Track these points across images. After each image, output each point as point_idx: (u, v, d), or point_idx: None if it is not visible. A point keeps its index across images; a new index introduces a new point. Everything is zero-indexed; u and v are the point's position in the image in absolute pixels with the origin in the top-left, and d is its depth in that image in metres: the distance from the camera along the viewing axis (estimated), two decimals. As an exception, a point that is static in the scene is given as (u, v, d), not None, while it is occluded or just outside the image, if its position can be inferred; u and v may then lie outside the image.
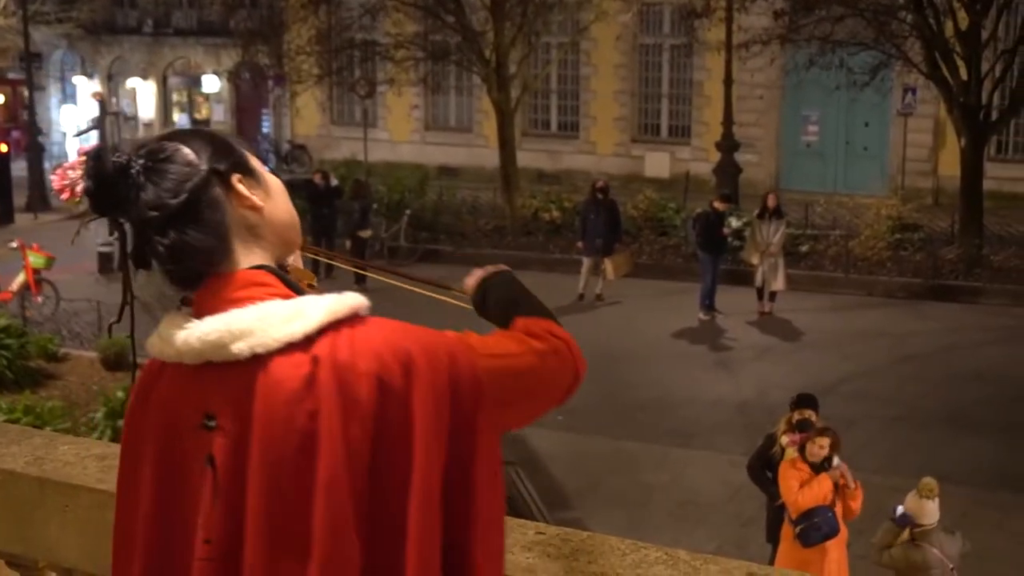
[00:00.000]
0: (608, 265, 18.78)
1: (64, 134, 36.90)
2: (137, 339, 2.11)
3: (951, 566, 7.81)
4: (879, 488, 10.31)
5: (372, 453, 1.87)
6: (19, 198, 28.14)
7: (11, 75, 39.02)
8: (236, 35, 29.91)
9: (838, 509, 8.47)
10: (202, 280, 1.97)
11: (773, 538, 9.02)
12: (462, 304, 2.36)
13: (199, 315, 1.94)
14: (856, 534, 9.14)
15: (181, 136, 2.01)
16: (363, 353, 1.87)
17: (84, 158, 1.98)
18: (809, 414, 8.97)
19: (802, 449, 8.48)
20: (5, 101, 39.40)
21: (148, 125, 38.84)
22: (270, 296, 1.93)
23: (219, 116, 37.54)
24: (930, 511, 7.84)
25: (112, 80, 39.23)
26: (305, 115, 34.41)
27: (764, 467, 9.16)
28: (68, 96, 39.51)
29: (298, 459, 1.85)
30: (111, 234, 2.23)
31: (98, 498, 2.92)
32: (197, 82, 38.16)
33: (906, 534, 7.94)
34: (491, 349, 2.01)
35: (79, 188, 2.00)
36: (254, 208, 1.99)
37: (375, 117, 32.76)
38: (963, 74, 20.48)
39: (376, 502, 1.88)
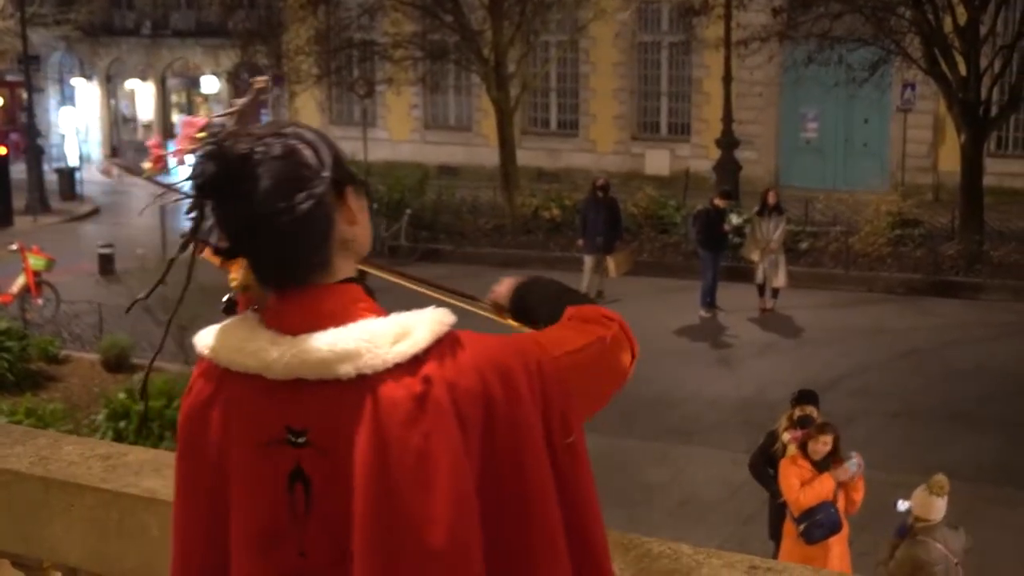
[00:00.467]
0: (610, 263, 18.78)
1: (63, 136, 36.92)
2: (185, 339, 2.10)
3: (955, 561, 7.80)
4: (881, 484, 10.31)
5: (483, 470, 1.87)
6: (18, 200, 28.15)
7: (9, 77, 39.05)
8: (234, 36, 29.94)
9: (840, 503, 8.47)
10: (288, 284, 1.93)
11: (776, 535, 9.03)
12: (487, 314, 2.34)
13: (288, 327, 1.90)
14: (858, 530, 9.15)
15: (298, 135, 1.94)
16: (467, 371, 1.87)
17: (202, 135, 1.92)
18: (810, 410, 8.97)
19: (803, 446, 8.48)
20: (4, 103, 39.41)
21: (147, 126, 38.87)
22: (368, 313, 1.90)
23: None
24: (938, 508, 7.83)
25: (111, 82, 39.25)
26: (304, 115, 34.41)
27: (766, 464, 9.16)
28: (67, 98, 39.52)
29: (416, 478, 1.83)
30: (188, 212, 2.09)
31: (102, 498, 2.93)
32: (196, 83, 38.18)
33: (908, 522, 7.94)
34: (563, 346, 2.04)
35: (185, 159, 1.96)
36: (354, 223, 1.97)
37: (374, 117, 32.78)
38: (962, 70, 20.50)
39: (491, 520, 1.88)
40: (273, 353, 1.88)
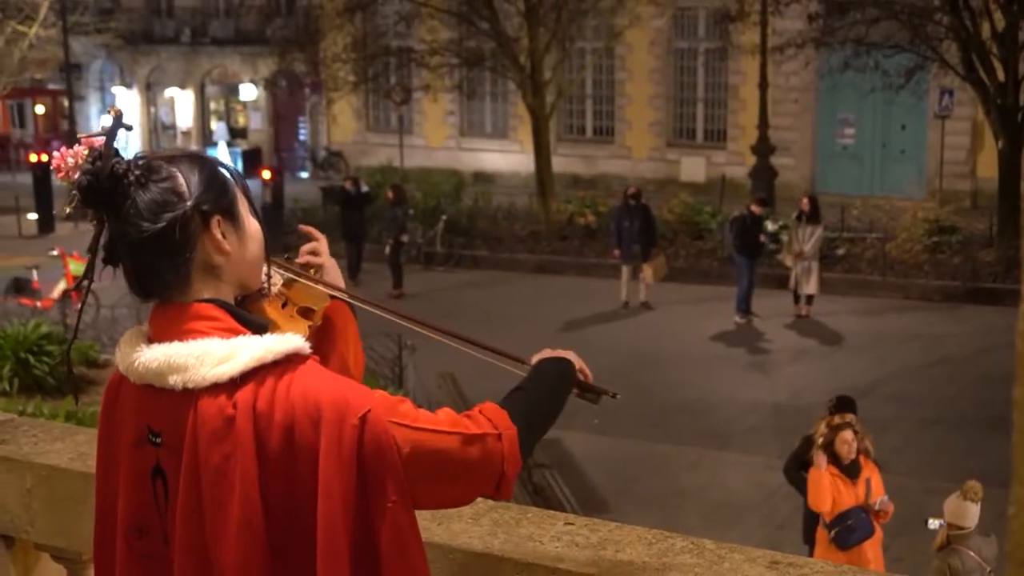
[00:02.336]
0: (647, 270, 18.76)
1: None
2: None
3: (988, 569, 7.78)
4: (915, 491, 10.31)
5: (283, 500, 1.98)
6: (60, 207, 28.41)
7: (51, 86, 39.45)
8: (272, 43, 30.21)
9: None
10: (147, 296, 2.10)
11: (810, 539, 9.01)
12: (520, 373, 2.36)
13: (153, 337, 2.08)
14: (893, 535, 9.15)
15: (185, 161, 2.10)
16: (280, 404, 1.96)
17: (88, 151, 2.08)
18: (850, 418, 8.92)
19: (831, 453, 8.44)
20: (45, 111, 39.82)
21: (186, 134, 39.17)
22: (215, 331, 2.03)
23: (256, 124, 37.81)
24: (972, 514, 7.79)
25: (150, 89, 39.58)
26: (341, 122, 34.61)
27: (800, 469, 9.14)
28: (107, 106, 39.85)
29: (214, 494, 1.99)
30: (90, 219, 2.16)
31: (140, 492, 2.99)
32: (234, 90, 38.45)
33: (942, 537, 7.91)
34: (417, 421, 2.01)
35: (74, 176, 2.09)
36: (222, 252, 2.09)
37: (411, 123, 32.91)
38: (1000, 76, 20.37)
39: (288, 545, 2.00)
40: (132, 359, 2.07)
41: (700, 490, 11.75)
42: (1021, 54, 20.45)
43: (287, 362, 2.00)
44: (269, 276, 2.22)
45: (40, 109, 39.98)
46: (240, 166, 34.85)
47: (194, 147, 2.13)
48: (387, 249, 20.51)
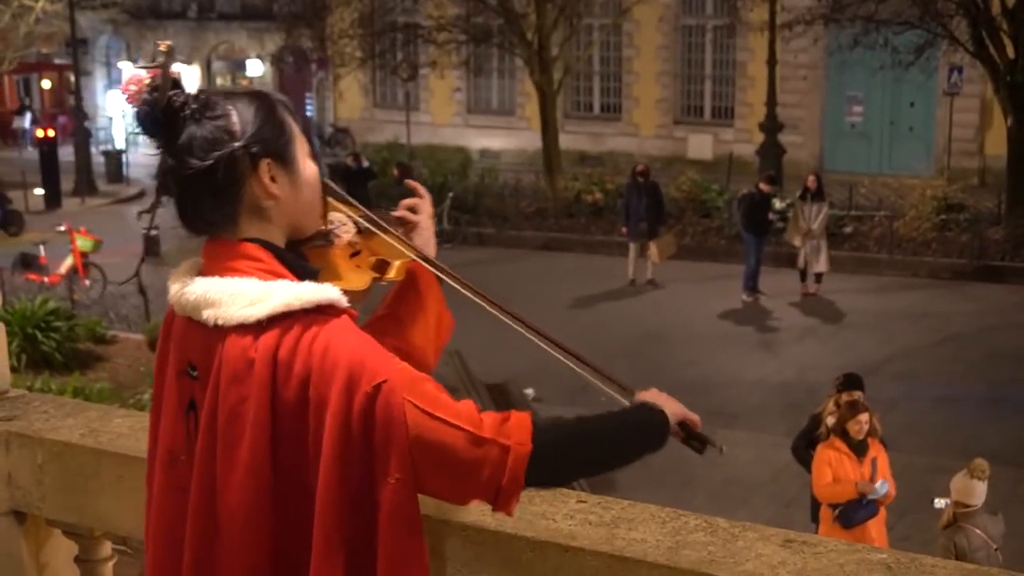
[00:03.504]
0: (653, 248, 18.76)
1: (110, 119, 37.24)
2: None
3: (995, 547, 7.79)
4: (922, 469, 10.32)
5: (291, 454, 1.97)
6: (67, 183, 28.44)
7: (57, 60, 39.41)
8: (279, 19, 30.11)
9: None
10: (209, 233, 2.10)
11: (817, 518, 9.02)
12: (617, 396, 2.32)
13: (203, 271, 2.09)
14: (898, 515, 9.16)
15: (244, 99, 2.09)
16: (302, 355, 1.95)
17: (151, 80, 2.07)
18: (857, 395, 8.94)
19: (842, 429, 8.46)
20: (52, 86, 39.80)
21: (204, 90, 39.12)
22: (255, 271, 2.02)
23: (263, 100, 37.76)
24: (979, 492, 7.80)
25: (173, 54, 39.50)
26: (348, 98, 34.56)
27: (809, 447, 9.14)
28: (114, 81, 39.79)
29: (226, 435, 2.00)
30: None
31: (152, 468, 3.00)
32: (241, 66, 38.37)
33: (948, 515, 7.92)
34: (433, 407, 1.96)
35: (133, 103, 2.09)
36: (271, 196, 2.07)
37: (417, 100, 32.84)
38: (1010, 52, 20.31)
39: (290, 501, 2.00)
40: (174, 290, 2.09)
41: (707, 468, 11.73)
42: (1031, 31, 20.38)
43: (317, 312, 1.97)
44: (326, 219, 2.20)
45: (46, 84, 39.96)
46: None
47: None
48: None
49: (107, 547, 3.36)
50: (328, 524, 1.95)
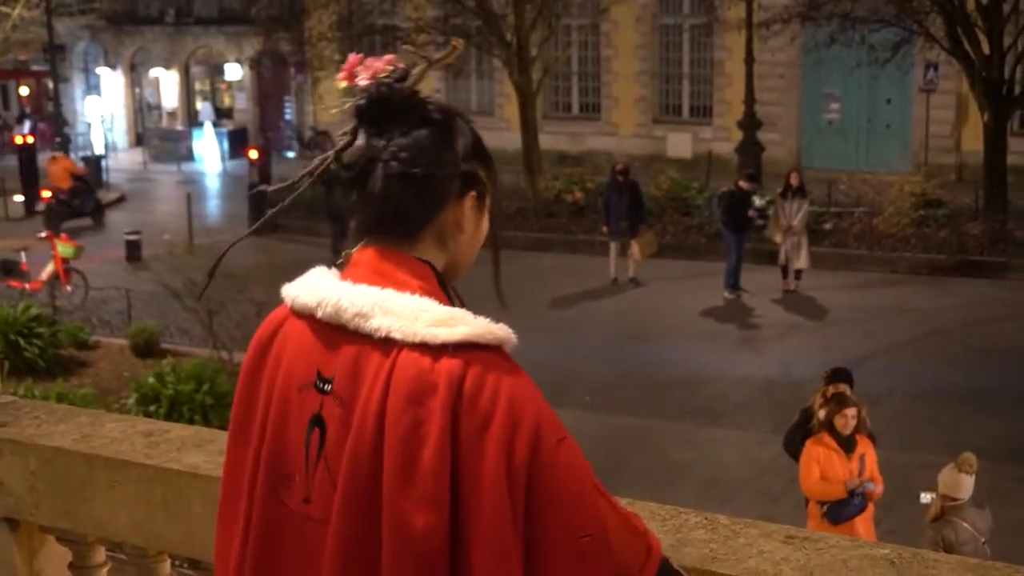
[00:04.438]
0: (635, 246, 18.79)
1: (89, 125, 37.10)
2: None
3: (983, 540, 7.82)
4: (905, 465, 10.36)
5: (455, 491, 1.83)
6: (45, 186, 28.28)
7: (35, 67, 39.24)
8: (257, 23, 30.03)
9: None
10: (379, 237, 1.99)
11: None
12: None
13: (354, 276, 1.97)
14: (885, 510, 9.18)
15: (471, 130, 2.03)
16: (487, 393, 1.83)
17: (394, 69, 1.99)
18: (843, 388, 8.96)
19: (830, 423, 8.47)
20: (30, 93, 39.61)
21: (171, 114, 39.02)
22: (424, 292, 1.92)
23: (242, 104, 37.69)
24: (967, 486, 7.83)
25: (135, 70, 39.40)
26: (328, 102, 34.41)
27: (802, 442, 9.15)
28: (92, 87, 39.68)
29: (402, 452, 1.83)
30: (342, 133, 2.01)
31: (146, 473, 2.98)
32: (219, 70, 38.29)
33: (936, 509, 7.95)
34: (598, 484, 1.93)
35: (362, 82, 2.00)
36: (461, 229, 2.02)
37: (397, 102, 32.75)
38: (985, 49, 20.39)
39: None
40: (326, 292, 1.95)
41: (693, 466, 11.78)
42: (1006, 26, 20.48)
43: (496, 350, 1.88)
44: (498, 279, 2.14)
45: (24, 91, 39.78)
46: (226, 146, 34.76)
47: None
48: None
49: (101, 553, 3.35)
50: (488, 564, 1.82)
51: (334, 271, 2.02)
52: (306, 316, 1.99)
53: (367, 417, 1.86)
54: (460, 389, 1.82)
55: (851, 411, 8.41)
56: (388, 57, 2.00)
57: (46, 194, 25.27)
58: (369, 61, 1.99)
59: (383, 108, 1.96)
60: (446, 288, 2.00)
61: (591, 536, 1.86)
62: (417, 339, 1.85)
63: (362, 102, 1.98)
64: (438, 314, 1.87)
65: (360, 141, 2.00)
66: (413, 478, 1.82)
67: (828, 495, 8.36)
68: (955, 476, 7.79)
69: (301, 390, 1.97)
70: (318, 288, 1.97)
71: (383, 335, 1.87)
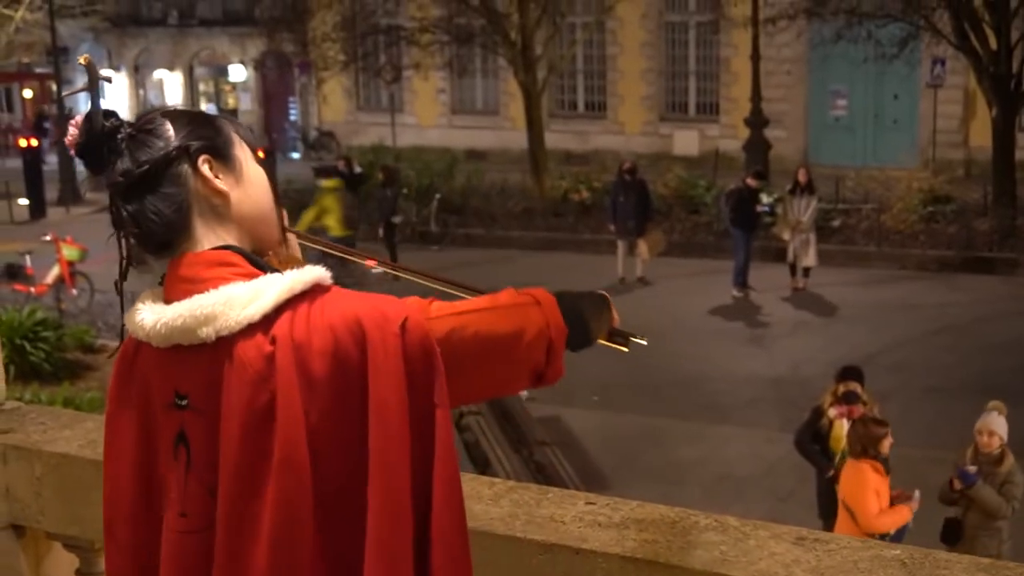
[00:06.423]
0: (642, 245, 18.76)
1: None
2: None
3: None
4: (917, 460, 10.31)
5: (334, 430, 1.89)
6: (51, 192, 28.34)
7: (38, 70, 39.29)
8: (261, 24, 30.10)
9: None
10: (170, 251, 2.01)
11: (826, 513, 8.85)
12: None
13: (167, 296, 1.99)
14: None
15: (174, 114, 2.07)
16: (318, 329, 1.89)
17: (85, 116, 2.05)
18: (854, 386, 8.92)
19: (867, 450, 8.00)
20: (33, 96, 39.66)
21: (140, 113, 39.07)
22: (234, 277, 1.95)
23: (246, 105, 37.71)
24: (1003, 427, 8.17)
25: (139, 72, 39.46)
26: (332, 102, 34.51)
27: (812, 440, 9.11)
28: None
29: (260, 439, 1.89)
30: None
31: (152, 479, 2.96)
32: (223, 72, 38.33)
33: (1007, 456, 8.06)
34: (450, 308, 2.03)
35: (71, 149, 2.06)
36: (217, 192, 2.02)
37: (402, 102, 32.82)
38: (992, 44, 20.34)
39: (344, 484, 1.90)
40: (149, 323, 1.98)
41: (701, 464, 11.75)
42: (1013, 21, 20.42)
43: (313, 292, 1.94)
44: (284, 230, 2.15)
45: (28, 93, 39.83)
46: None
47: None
48: (380, 231, 20.50)
49: (108, 559, 3.33)
50: (392, 475, 1.88)
51: (158, 291, 2.04)
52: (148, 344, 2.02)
53: (232, 414, 1.91)
54: (293, 342, 1.89)
55: (884, 429, 8.08)
56: (76, 119, 2.05)
57: None
58: (73, 122, 2.05)
59: (90, 151, 2.03)
60: (257, 260, 2.02)
61: (441, 408, 1.91)
62: (241, 326, 1.91)
63: (75, 151, 2.06)
64: (246, 295, 1.92)
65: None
66: (267, 462, 1.88)
67: (896, 525, 8.01)
68: (998, 419, 8.15)
69: (165, 411, 2.01)
70: (141, 321, 1.99)
71: (213, 339, 1.92)
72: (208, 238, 2.00)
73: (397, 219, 21.04)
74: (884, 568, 2.23)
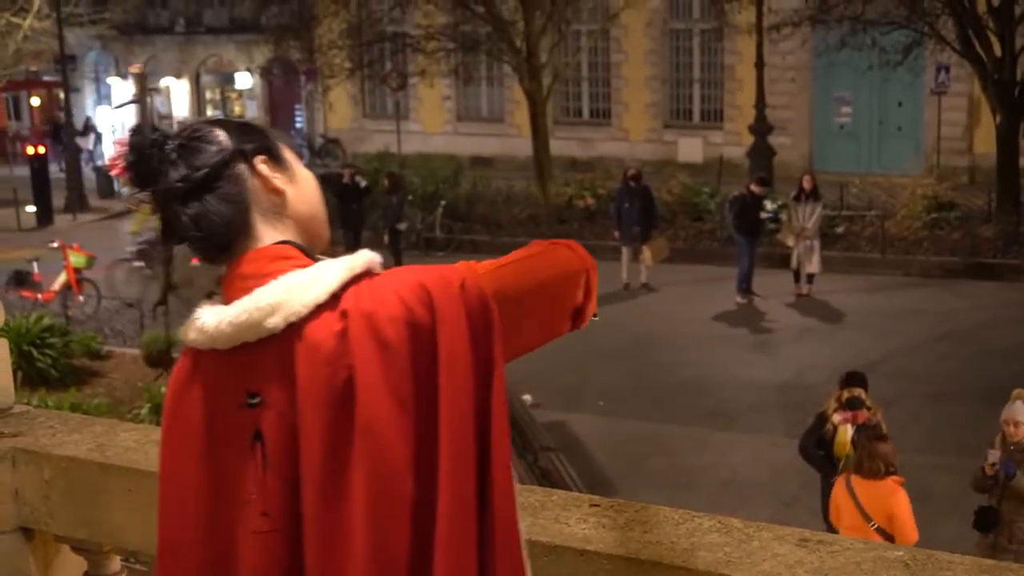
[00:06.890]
0: (646, 252, 18.77)
1: (100, 134, 37.20)
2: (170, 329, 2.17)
3: None
4: (921, 467, 10.31)
5: (415, 393, 1.92)
6: (58, 199, 28.40)
7: (46, 78, 39.34)
8: (267, 31, 30.09)
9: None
10: (229, 253, 2.03)
11: (830, 519, 8.86)
12: None
13: (226, 297, 2.01)
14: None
15: (219, 121, 2.11)
16: (386, 299, 1.93)
17: (130, 133, 2.07)
18: (858, 392, 8.93)
19: (888, 468, 7.99)
20: (41, 104, 39.72)
21: (182, 124, 39.15)
22: (292, 268, 1.98)
23: (252, 112, 37.76)
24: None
25: (146, 80, 39.51)
26: (338, 109, 34.54)
27: (816, 446, 9.12)
28: (103, 97, 39.80)
29: (342, 417, 1.91)
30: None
31: (161, 482, 2.99)
32: (230, 79, 38.38)
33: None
34: (494, 263, 2.13)
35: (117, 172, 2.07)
36: (276, 191, 2.06)
37: (407, 109, 32.84)
38: (997, 51, 20.36)
39: (424, 439, 1.92)
40: (211, 326, 1.99)
41: (706, 470, 11.76)
42: (1018, 28, 20.43)
43: (369, 273, 1.99)
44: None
45: (36, 101, 39.89)
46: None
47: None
48: (385, 238, 20.53)
49: (116, 562, 3.35)
50: (460, 428, 1.92)
51: (214, 299, 2.05)
52: (211, 350, 2.02)
53: (310, 398, 1.93)
54: (364, 314, 1.92)
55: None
56: (123, 137, 2.07)
57: None
58: (117, 143, 2.07)
59: (142, 168, 2.04)
60: (313, 255, 2.06)
61: (499, 366, 1.97)
62: (309, 307, 1.94)
63: (123, 166, 2.06)
64: (306, 280, 1.95)
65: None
66: (354, 424, 1.90)
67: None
68: (1019, 407, 8.36)
69: (233, 413, 2.01)
70: (202, 326, 2.00)
71: (283, 327, 1.94)
72: (269, 235, 2.04)
73: (402, 226, 21.08)
74: (887, 569, 2.25)
